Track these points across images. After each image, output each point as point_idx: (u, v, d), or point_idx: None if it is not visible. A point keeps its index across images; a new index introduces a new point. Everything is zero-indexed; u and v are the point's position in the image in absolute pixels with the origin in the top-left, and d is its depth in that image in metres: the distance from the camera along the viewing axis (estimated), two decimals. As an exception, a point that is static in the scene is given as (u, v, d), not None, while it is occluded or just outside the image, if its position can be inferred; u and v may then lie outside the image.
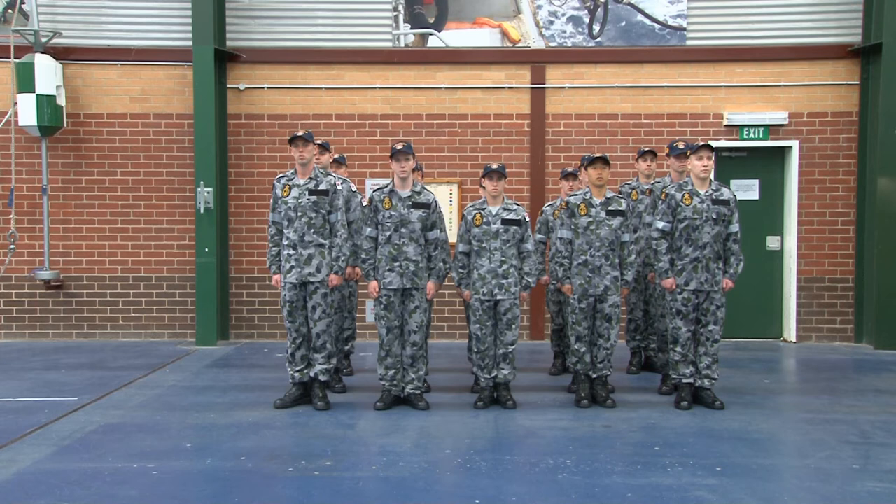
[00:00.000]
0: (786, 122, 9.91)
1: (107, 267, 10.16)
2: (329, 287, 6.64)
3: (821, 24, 9.99)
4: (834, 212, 10.01)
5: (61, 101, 9.81)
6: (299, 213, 6.59)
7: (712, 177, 6.93)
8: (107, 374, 8.13)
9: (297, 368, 6.74)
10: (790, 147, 9.97)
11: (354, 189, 7.38)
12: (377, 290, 6.61)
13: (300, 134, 6.58)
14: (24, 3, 9.89)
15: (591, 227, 6.71)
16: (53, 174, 10.08)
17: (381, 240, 6.61)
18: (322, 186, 6.64)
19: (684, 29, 10.00)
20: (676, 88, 10.02)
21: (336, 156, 8.00)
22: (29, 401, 7.04)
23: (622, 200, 6.82)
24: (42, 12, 9.92)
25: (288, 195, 6.64)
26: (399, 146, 6.53)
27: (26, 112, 9.59)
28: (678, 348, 6.73)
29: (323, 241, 6.62)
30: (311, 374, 6.74)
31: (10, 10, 9.96)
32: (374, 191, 6.73)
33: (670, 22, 10.01)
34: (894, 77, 9.44)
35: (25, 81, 9.58)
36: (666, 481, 5.01)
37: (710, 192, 6.65)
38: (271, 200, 6.76)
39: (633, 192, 7.90)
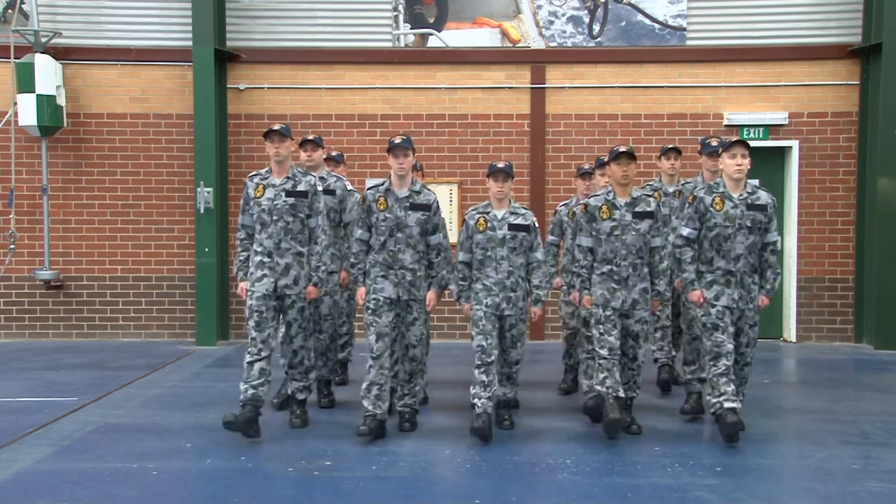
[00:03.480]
0: (786, 122, 9.91)
1: (107, 267, 10.15)
2: (307, 300, 6.01)
3: (821, 24, 9.98)
4: (834, 212, 10.00)
5: (61, 101, 9.80)
6: (274, 217, 5.85)
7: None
8: (107, 374, 8.13)
9: (253, 382, 5.77)
10: (790, 147, 9.97)
11: (350, 188, 6.83)
12: (364, 296, 5.92)
13: (276, 128, 5.85)
14: (24, 3, 9.88)
15: (616, 233, 5.85)
16: (53, 174, 10.07)
17: (376, 245, 5.89)
18: (301, 188, 5.90)
19: (684, 29, 10.00)
20: (676, 88, 10.02)
21: (333, 153, 7.72)
22: (29, 401, 7.03)
23: (651, 200, 5.93)
24: (42, 12, 9.91)
25: (261, 196, 5.89)
26: (397, 140, 5.83)
27: (26, 112, 9.58)
28: (723, 361, 5.73)
29: (301, 248, 5.90)
30: (288, 392, 6.27)
31: (10, 10, 9.96)
32: (369, 189, 6.02)
33: (670, 22, 10.00)
34: (894, 77, 9.43)
35: (25, 81, 9.57)
36: (666, 481, 5.00)
37: (745, 195, 5.80)
38: (241, 202, 6.05)
39: (656, 193, 6.92)
